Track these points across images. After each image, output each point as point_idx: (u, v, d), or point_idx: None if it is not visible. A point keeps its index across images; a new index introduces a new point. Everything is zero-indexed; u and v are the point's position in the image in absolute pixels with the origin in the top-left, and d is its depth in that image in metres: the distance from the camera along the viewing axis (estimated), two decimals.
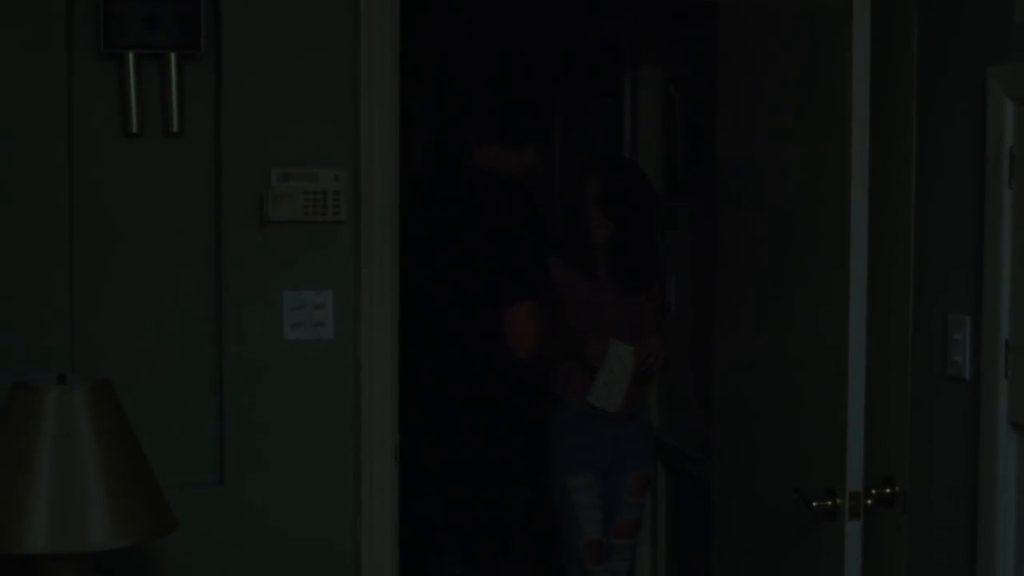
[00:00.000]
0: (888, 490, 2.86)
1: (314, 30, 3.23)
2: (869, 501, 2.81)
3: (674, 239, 4.60)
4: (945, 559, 2.76)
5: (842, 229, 2.78)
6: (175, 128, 3.16)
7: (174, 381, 3.22)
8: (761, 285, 3.24)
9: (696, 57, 4.24)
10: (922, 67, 2.82)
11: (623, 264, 4.34)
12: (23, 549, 2.60)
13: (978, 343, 2.63)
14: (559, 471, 4.29)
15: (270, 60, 3.20)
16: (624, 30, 4.85)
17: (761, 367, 3.23)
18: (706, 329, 3.71)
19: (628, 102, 4.83)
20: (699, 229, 4.30)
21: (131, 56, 3.11)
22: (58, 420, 2.64)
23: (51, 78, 3.07)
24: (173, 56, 3.14)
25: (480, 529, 4.14)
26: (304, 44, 3.22)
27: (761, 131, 3.24)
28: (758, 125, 3.26)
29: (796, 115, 3.03)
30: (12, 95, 3.05)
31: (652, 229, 4.40)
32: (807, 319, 2.97)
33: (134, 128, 3.14)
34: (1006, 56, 2.55)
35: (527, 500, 4.30)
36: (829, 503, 2.80)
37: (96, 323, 3.15)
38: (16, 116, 3.06)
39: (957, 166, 2.71)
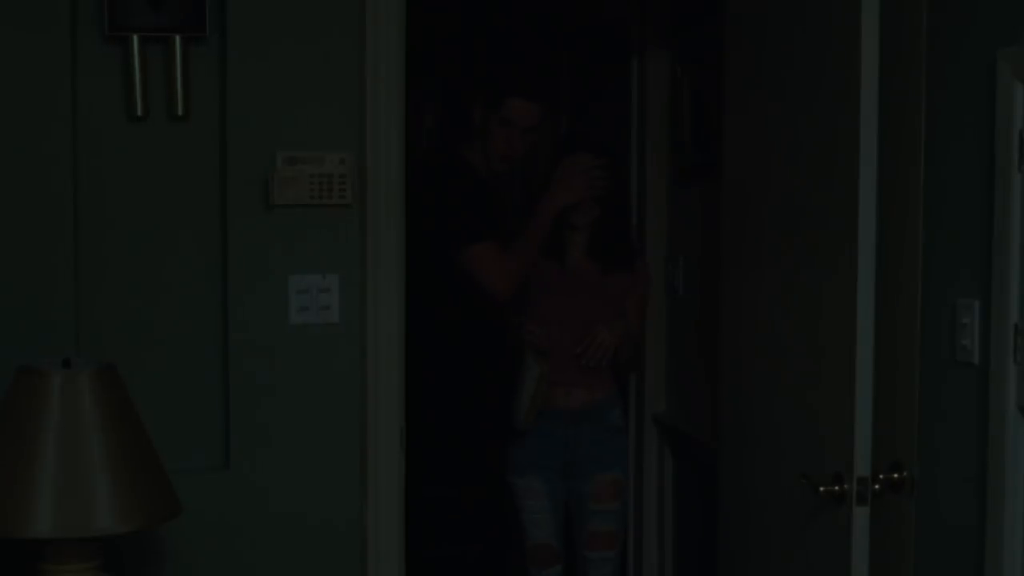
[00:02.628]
0: (896, 475, 2.84)
1: (320, 12, 3.21)
2: (877, 486, 2.80)
3: (681, 221, 4.59)
4: (953, 544, 2.75)
5: (850, 212, 2.77)
6: (180, 111, 3.15)
7: (179, 365, 3.22)
8: (767, 269, 3.22)
9: (704, 37, 4.22)
10: (932, 49, 2.80)
11: (607, 244, 4.21)
12: (28, 534, 2.60)
13: (987, 328, 2.61)
14: (508, 470, 4.18)
15: (276, 43, 3.19)
16: (631, 11, 4.83)
17: (768, 351, 3.22)
18: (714, 312, 3.70)
19: (635, 83, 4.81)
20: (706, 211, 4.28)
21: (136, 39, 3.10)
22: (63, 404, 2.63)
23: (55, 61, 3.06)
24: (178, 39, 3.12)
25: (478, 510, 4.15)
26: (310, 26, 3.20)
27: (769, 113, 3.22)
28: (765, 107, 3.24)
29: (804, 97, 3.01)
30: (16, 78, 3.04)
31: (628, 206, 4.45)
32: (814, 303, 2.96)
33: (139, 111, 3.13)
34: (1016, 38, 2.53)
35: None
36: (836, 488, 2.79)
37: (101, 307, 3.15)
38: (20, 100, 3.05)
39: (966, 149, 2.69)
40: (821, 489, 2.81)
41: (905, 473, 2.84)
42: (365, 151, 3.23)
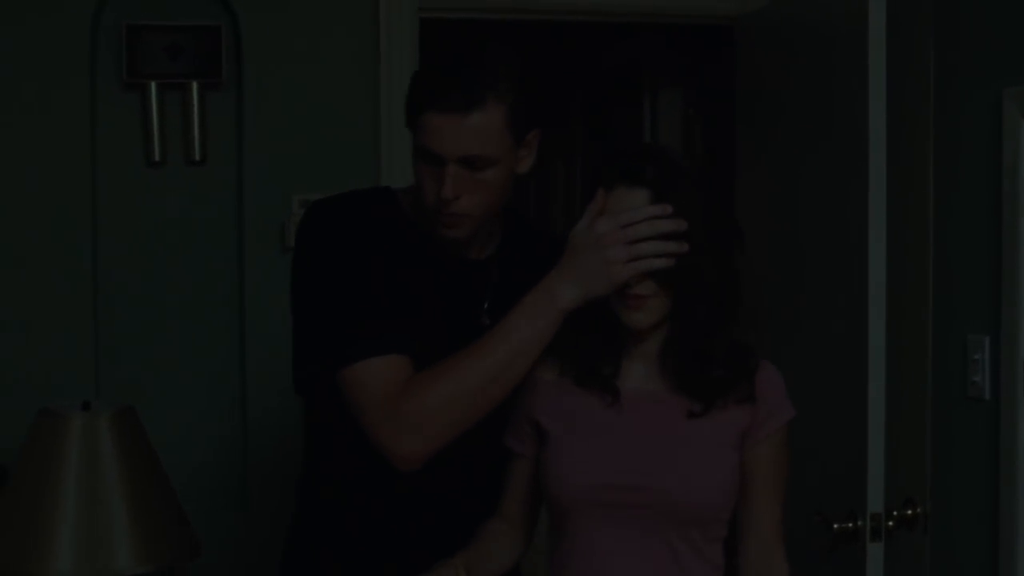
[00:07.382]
0: (909, 512, 2.85)
1: (335, 57, 3.25)
2: (890, 523, 2.80)
3: None
4: None
5: (861, 252, 2.78)
6: (197, 156, 3.19)
7: (198, 406, 3.24)
8: (780, 306, 3.24)
9: (715, 78, 4.25)
10: (939, 89, 2.83)
11: (693, 362, 2.06)
12: (49, 575, 2.61)
13: (997, 363, 2.63)
14: None
15: (291, 88, 3.22)
16: (643, 53, 4.86)
17: None
18: None
19: (648, 124, 4.84)
20: None
21: (153, 86, 3.15)
22: (83, 447, 2.65)
23: (75, 108, 3.11)
24: (195, 85, 3.17)
25: None
26: (325, 71, 3.24)
27: (780, 156, 3.24)
28: (777, 150, 3.26)
29: (814, 139, 3.03)
30: (37, 125, 3.09)
31: (733, 275, 2.11)
32: (826, 341, 2.97)
33: (156, 157, 3.17)
34: (1022, 78, 2.56)
35: None
36: (850, 525, 2.79)
37: (120, 349, 3.18)
38: (41, 146, 3.10)
39: (974, 187, 2.71)
40: (835, 526, 2.81)
41: (918, 509, 2.85)
42: None
